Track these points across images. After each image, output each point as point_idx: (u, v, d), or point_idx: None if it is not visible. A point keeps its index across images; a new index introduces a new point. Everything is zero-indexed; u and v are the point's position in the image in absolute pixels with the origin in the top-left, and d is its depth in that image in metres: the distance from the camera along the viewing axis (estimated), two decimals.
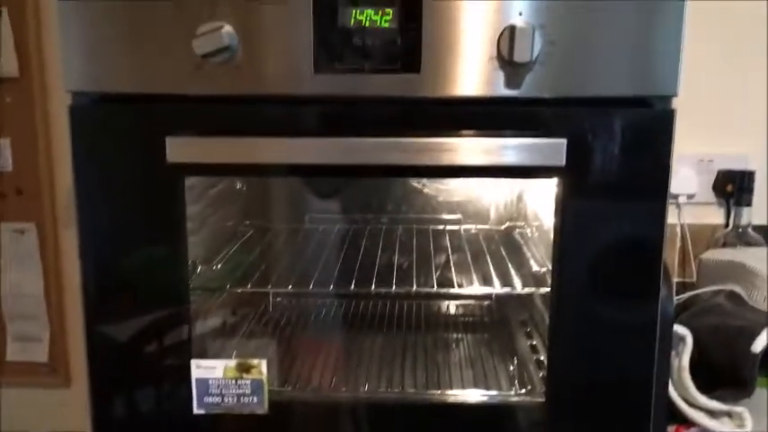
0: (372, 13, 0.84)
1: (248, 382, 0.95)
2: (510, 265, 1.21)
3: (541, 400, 0.97)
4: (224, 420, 0.96)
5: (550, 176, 0.88)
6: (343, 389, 1.07)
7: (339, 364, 1.16)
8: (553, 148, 0.85)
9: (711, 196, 1.43)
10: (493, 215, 1.42)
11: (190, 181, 0.92)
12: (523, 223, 1.38)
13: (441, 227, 1.41)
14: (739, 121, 1.39)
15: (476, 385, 1.09)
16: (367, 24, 0.84)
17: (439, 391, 1.06)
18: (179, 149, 0.86)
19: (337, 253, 1.29)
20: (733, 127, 1.40)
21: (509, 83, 0.84)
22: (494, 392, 1.05)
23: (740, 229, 1.37)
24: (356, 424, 0.99)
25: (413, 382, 1.10)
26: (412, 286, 1.17)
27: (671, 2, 0.82)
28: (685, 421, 1.09)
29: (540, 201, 1.20)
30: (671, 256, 1.41)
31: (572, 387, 0.94)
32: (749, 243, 1.36)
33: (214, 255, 1.20)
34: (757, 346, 1.06)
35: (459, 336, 1.31)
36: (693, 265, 1.41)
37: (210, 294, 1.15)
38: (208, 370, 0.94)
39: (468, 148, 0.86)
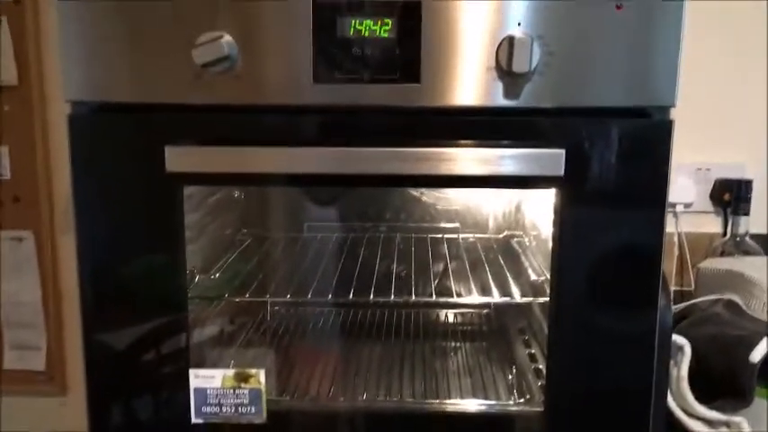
0: (371, 23, 0.84)
1: (246, 391, 0.95)
2: (508, 275, 1.21)
3: (540, 409, 0.96)
4: (222, 430, 0.95)
5: (549, 186, 0.88)
6: (342, 398, 1.07)
7: (337, 374, 1.15)
8: (552, 159, 0.85)
9: (709, 205, 1.43)
10: (491, 224, 1.42)
11: (188, 190, 0.92)
12: (521, 232, 1.38)
13: (439, 235, 1.41)
14: (737, 129, 1.40)
15: (474, 394, 1.09)
16: (366, 34, 0.84)
17: (437, 401, 1.06)
18: (178, 159, 0.86)
19: (335, 262, 1.29)
20: (730, 136, 1.40)
21: (508, 93, 0.85)
22: (492, 402, 1.05)
23: (738, 238, 1.37)
24: None
25: (411, 391, 1.09)
26: (410, 295, 1.17)
27: (669, 13, 0.83)
28: (684, 431, 1.09)
29: (538, 210, 1.20)
30: (669, 265, 1.41)
31: (571, 396, 0.94)
32: (747, 252, 1.36)
33: (212, 263, 1.20)
34: (756, 355, 1.06)
35: (458, 344, 1.31)
36: (691, 273, 1.41)
37: (208, 303, 1.15)
38: (206, 379, 0.94)
39: (467, 158, 0.86)
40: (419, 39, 0.84)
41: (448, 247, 1.37)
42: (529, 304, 1.21)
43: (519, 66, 0.82)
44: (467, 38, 0.84)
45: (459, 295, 1.23)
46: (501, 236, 1.41)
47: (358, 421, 1.00)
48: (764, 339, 1.07)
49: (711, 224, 1.43)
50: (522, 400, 1.04)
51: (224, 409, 0.95)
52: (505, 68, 0.83)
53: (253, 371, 0.95)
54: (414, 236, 1.40)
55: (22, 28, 1.36)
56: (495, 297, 1.15)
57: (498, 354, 1.25)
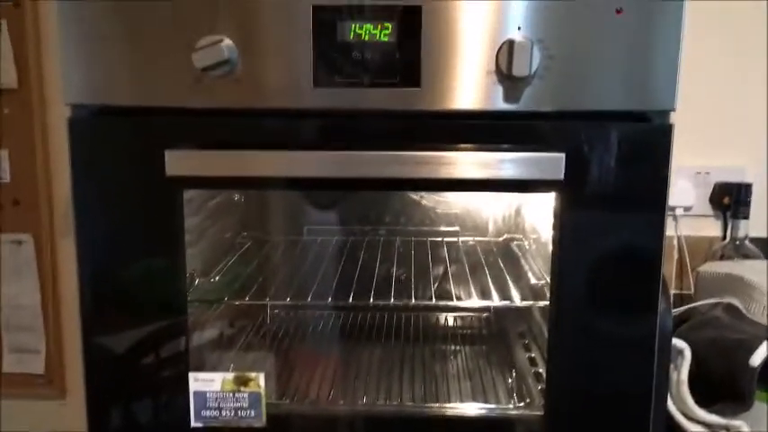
0: (372, 27, 0.84)
1: (246, 395, 0.95)
2: (508, 278, 1.21)
3: (540, 413, 0.96)
4: None
5: (549, 190, 0.88)
6: (341, 402, 1.07)
7: (337, 377, 1.15)
8: (552, 162, 0.85)
9: (708, 209, 1.43)
10: (491, 227, 1.42)
11: (188, 193, 0.92)
12: (521, 236, 1.38)
13: (439, 239, 1.41)
14: (736, 133, 1.40)
15: (474, 398, 1.09)
16: (366, 38, 0.84)
17: (437, 405, 1.06)
18: (178, 162, 0.86)
19: (335, 265, 1.29)
20: (730, 139, 1.41)
21: (508, 97, 0.85)
22: (492, 405, 1.05)
23: (737, 242, 1.38)
24: None
25: (411, 394, 1.09)
26: (410, 299, 1.17)
27: (669, 18, 0.83)
28: None
29: (537, 213, 1.20)
30: (668, 269, 1.41)
31: (571, 400, 0.94)
32: (747, 256, 1.36)
33: (212, 267, 1.20)
34: (756, 359, 1.06)
35: (458, 348, 1.31)
36: (691, 277, 1.41)
37: (208, 306, 1.15)
38: (206, 383, 0.94)
39: (467, 162, 0.86)
40: (419, 43, 0.84)
41: (448, 251, 1.37)
42: (529, 308, 1.21)
43: (519, 69, 0.82)
44: (467, 42, 0.84)
45: (458, 299, 1.23)
46: (501, 239, 1.41)
47: (358, 425, 0.99)
48: (764, 343, 1.07)
49: (711, 228, 1.44)
50: (522, 404, 1.04)
51: (223, 413, 0.95)
52: (505, 72, 0.83)
53: (252, 374, 0.95)
54: (413, 239, 1.40)
55: (22, 31, 1.36)
56: (495, 300, 1.15)
57: (498, 357, 1.25)
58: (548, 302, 0.93)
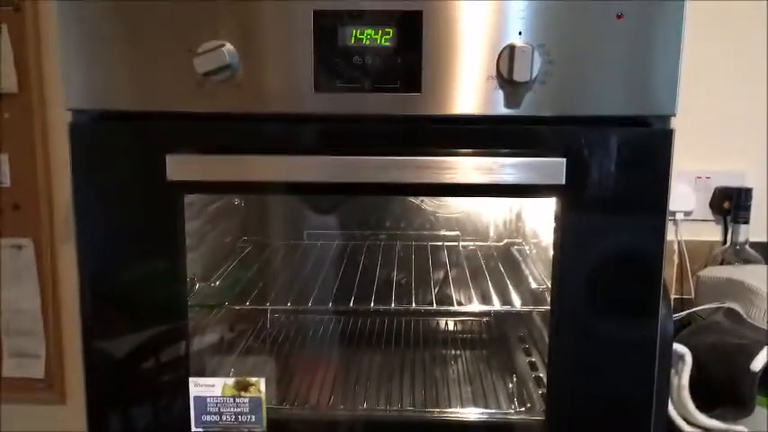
0: (372, 32, 0.84)
1: (246, 400, 0.94)
2: (509, 283, 1.21)
3: (541, 418, 0.96)
4: None
5: (550, 195, 0.88)
6: (342, 407, 1.07)
7: (337, 382, 1.15)
8: (553, 167, 0.85)
9: (709, 213, 1.43)
10: (491, 232, 1.42)
11: (189, 198, 0.92)
12: (522, 240, 1.38)
13: (439, 243, 1.41)
14: (737, 138, 1.40)
15: (475, 403, 1.09)
16: (367, 43, 0.84)
17: (438, 410, 1.05)
18: (179, 167, 0.86)
19: (336, 270, 1.29)
20: (730, 144, 1.41)
21: (509, 102, 0.85)
22: (493, 410, 1.05)
23: (738, 247, 1.37)
24: None
25: (411, 399, 1.09)
26: (411, 303, 1.16)
27: (670, 23, 0.83)
28: None
29: (538, 218, 1.20)
30: (669, 273, 1.41)
31: (572, 405, 0.94)
32: (747, 260, 1.36)
33: (212, 271, 1.20)
34: (756, 364, 1.06)
35: (458, 352, 1.31)
36: (691, 281, 1.41)
37: (209, 311, 1.15)
38: (206, 388, 0.94)
39: (468, 167, 0.86)
40: (420, 48, 0.84)
41: (448, 255, 1.37)
42: (529, 312, 1.21)
43: (520, 75, 0.82)
44: (468, 47, 0.84)
45: (459, 303, 1.23)
46: (501, 244, 1.41)
47: (358, 430, 0.99)
48: (765, 348, 1.07)
49: (711, 232, 1.43)
50: (522, 409, 1.04)
51: (224, 418, 0.95)
52: (506, 77, 0.83)
53: (253, 379, 0.95)
54: (414, 244, 1.40)
55: (23, 35, 1.36)
56: (496, 305, 1.15)
57: (499, 362, 1.25)
58: (548, 307, 0.93)
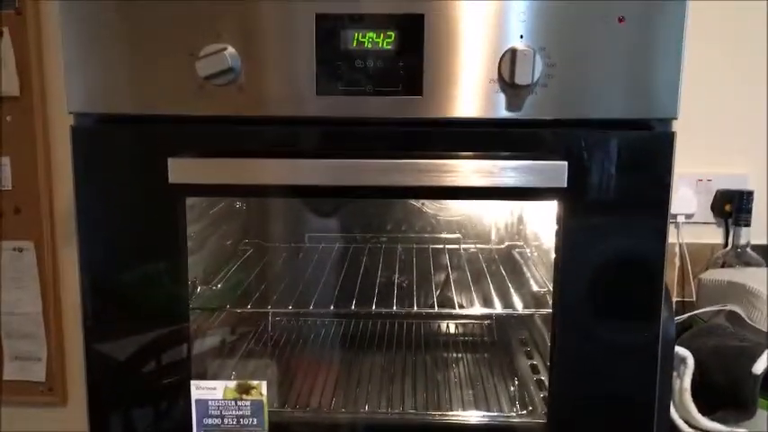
0: (374, 35, 0.84)
1: (248, 403, 0.94)
2: (510, 285, 1.21)
3: (543, 421, 0.96)
4: None
5: (551, 198, 0.88)
6: (343, 410, 1.07)
7: (339, 385, 1.15)
8: (554, 170, 0.85)
9: (710, 216, 1.43)
10: (493, 235, 1.42)
11: (190, 201, 0.92)
12: (523, 243, 1.38)
13: (441, 246, 1.41)
14: (738, 140, 1.40)
15: (476, 406, 1.09)
16: (369, 46, 0.84)
17: (439, 413, 1.05)
18: (181, 170, 0.86)
19: (337, 272, 1.29)
20: (731, 147, 1.41)
21: (510, 105, 0.85)
22: (494, 413, 1.05)
23: (739, 249, 1.37)
24: None
25: (413, 402, 1.09)
26: (412, 306, 1.16)
27: (671, 26, 0.83)
28: None
29: (540, 221, 1.20)
30: (670, 276, 1.41)
31: (573, 408, 0.93)
32: (748, 263, 1.36)
33: (214, 274, 1.20)
34: (758, 367, 1.06)
35: (459, 355, 1.31)
36: (692, 284, 1.41)
37: (210, 314, 1.15)
38: (208, 391, 0.94)
39: (470, 170, 0.86)
40: (422, 51, 0.84)
41: (449, 258, 1.37)
42: (531, 315, 1.21)
43: (521, 78, 0.82)
44: (469, 50, 0.84)
45: (460, 306, 1.23)
46: (503, 246, 1.41)
47: None
48: (766, 351, 1.07)
49: (713, 235, 1.43)
50: (524, 412, 1.04)
51: (225, 421, 0.94)
52: (508, 80, 0.83)
53: (255, 382, 0.95)
54: (415, 246, 1.40)
55: (24, 39, 1.37)
56: (497, 308, 1.15)
57: (500, 365, 1.25)
58: (550, 310, 0.93)
